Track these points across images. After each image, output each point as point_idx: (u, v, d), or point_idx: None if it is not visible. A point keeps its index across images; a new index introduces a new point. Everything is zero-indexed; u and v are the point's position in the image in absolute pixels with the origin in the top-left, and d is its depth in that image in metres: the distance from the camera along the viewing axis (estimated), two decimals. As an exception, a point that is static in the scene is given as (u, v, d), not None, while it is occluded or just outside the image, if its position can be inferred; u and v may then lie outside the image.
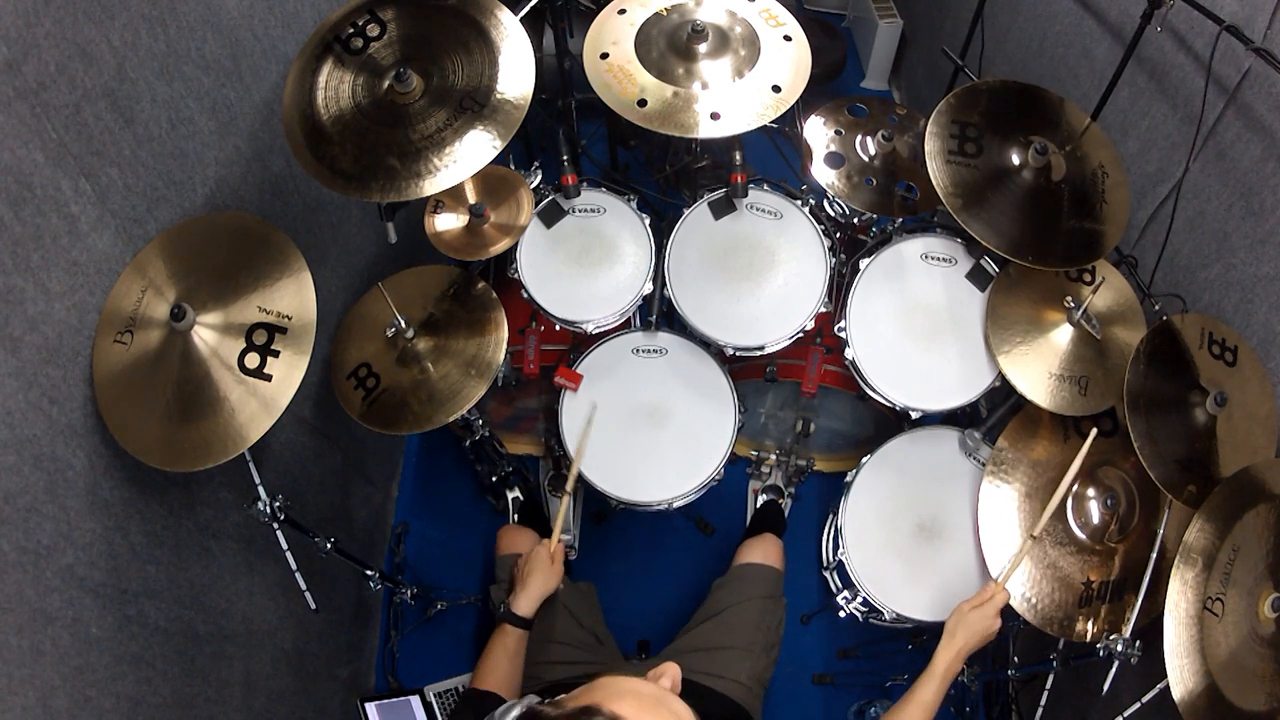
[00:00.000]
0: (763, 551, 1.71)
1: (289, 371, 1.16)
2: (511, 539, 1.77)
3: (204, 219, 1.31)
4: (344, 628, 1.95)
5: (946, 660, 1.30)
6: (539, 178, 1.71)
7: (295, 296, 1.20)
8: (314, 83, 1.31)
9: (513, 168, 1.66)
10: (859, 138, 1.74)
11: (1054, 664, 1.52)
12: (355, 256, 1.93)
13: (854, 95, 2.75)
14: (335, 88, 1.31)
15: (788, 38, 1.53)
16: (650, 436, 1.69)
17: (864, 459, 1.68)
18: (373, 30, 1.34)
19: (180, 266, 1.20)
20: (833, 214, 1.80)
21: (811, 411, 2.09)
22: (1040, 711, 1.61)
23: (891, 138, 1.69)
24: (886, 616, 1.60)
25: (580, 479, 1.68)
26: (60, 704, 1.03)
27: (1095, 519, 1.42)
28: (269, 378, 1.15)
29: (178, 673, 1.28)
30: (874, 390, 1.60)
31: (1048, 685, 1.58)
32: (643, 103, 1.46)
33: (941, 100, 1.51)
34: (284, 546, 1.39)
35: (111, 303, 1.14)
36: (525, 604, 1.42)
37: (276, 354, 1.16)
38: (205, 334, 1.16)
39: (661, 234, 1.71)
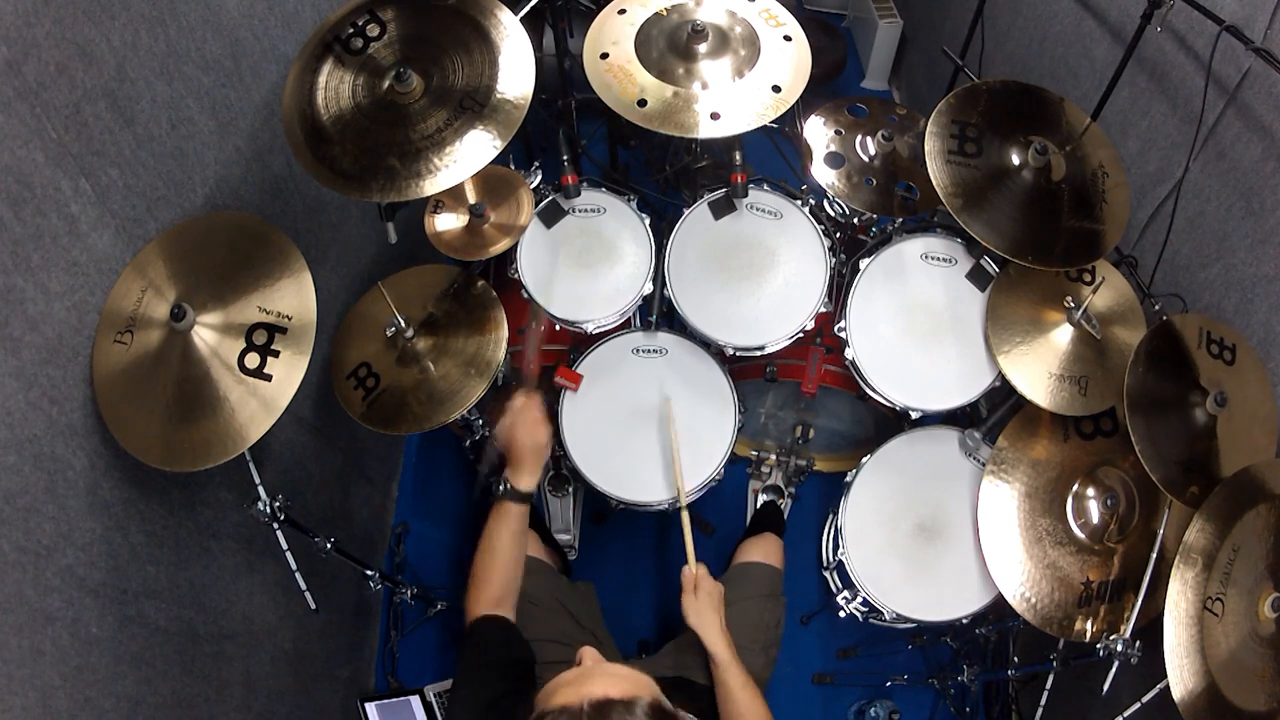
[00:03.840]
0: (763, 550, 1.71)
1: (289, 371, 1.16)
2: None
3: (204, 219, 1.31)
4: (344, 628, 1.95)
5: (719, 645, 1.33)
6: (539, 178, 1.71)
7: (295, 296, 1.20)
8: (314, 83, 1.31)
9: (513, 168, 1.66)
10: (859, 138, 1.74)
11: (1054, 664, 1.52)
12: (355, 256, 1.93)
13: (854, 95, 2.75)
14: (335, 88, 1.31)
15: (788, 38, 1.53)
16: (650, 437, 1.69)
17: (864, 459, 1.68)
18: (373, 30, 1.34)
19: (180, 266, 1.20)
20: (833, 214, 1.79)
21: (811, 411, 2.09)
22: (1040, 711, 1.61)
23: (891, 138, 1.69)
24: (886, 616, 1.61)
25: (580, 478, 1.68)
26: (60, 704, 1.03)
27: (1095, 519, 1.42)
28: (269, 378, 1.15)
29: (178, 673, 1.28)
30: (874, 390, 1.60)
31: (1048, 685, 1.58)
32: (643, 103, 1.46)
33: (941, 100, 1.51)
34: (284, 546, 1.39)
35: (111, 303, 1.14)
36: (526, 475, 1.28)
37: (276, 354, 1.16)
38: (205, 334, 1.16)
39: (661, 234, 1.71)
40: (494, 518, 1.29)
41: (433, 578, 2.16)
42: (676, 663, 1.49)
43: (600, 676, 0.88)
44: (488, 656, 1.18)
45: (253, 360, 1.16)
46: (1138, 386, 1.28)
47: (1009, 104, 1.53)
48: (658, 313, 1.72)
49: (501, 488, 1.30)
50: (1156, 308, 1.53)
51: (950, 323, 1.59)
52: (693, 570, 1.41)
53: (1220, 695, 1.12)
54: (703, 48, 1.50)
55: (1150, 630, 1.24)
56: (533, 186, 1.65)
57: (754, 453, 2.26)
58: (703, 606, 1.37)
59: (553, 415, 1.76)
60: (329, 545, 1.50)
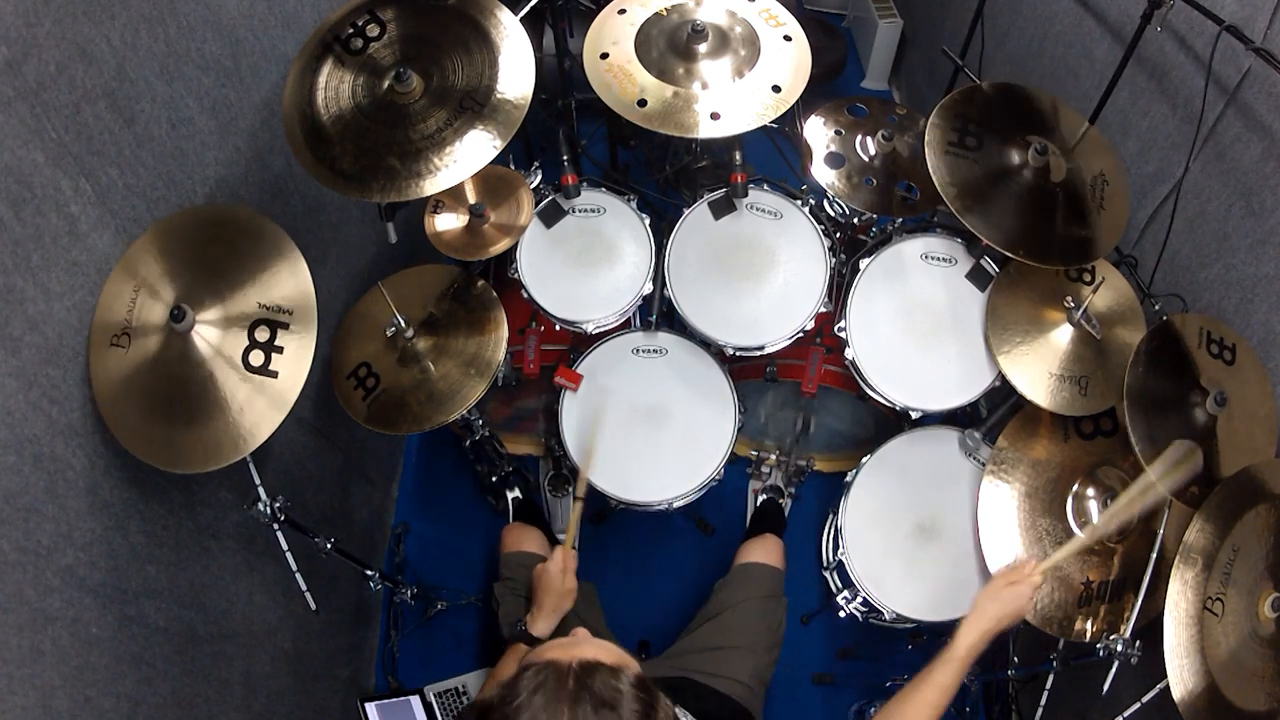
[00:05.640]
0: (764, 551, 1.71)
1: (294, 367, 1.16)
2: (516, 537, 1.77)
3: (190, 212, 1.29)
4: (344, 628, 1.95)
5: (970, 641, 1.21)
6: (539, 178, 1.71)
7: (292, 286, 1.19)
8: (314, 83, 1.31)
9: (513, 168, 1.66)
10: (859, 138, 1.74)
11: (1054, 664, 1.52)
12: (355, 256, 1.93)
13: (854, 95, 2.75)
14: (335, 88, 1.31)
15: (788, 38, 1.53)
16: (650, 436, 1.69)
17: (864, 459, 1.68)
18: (373, 30, 1.34)
19: (174, 264, 1.18)
20: (833, 214, 1.80)
21: (811, 411, 2.09)
22: (1040, 711, 1.61)
23: (891, 138, 1.69)
24: (886, 616, 1.61)
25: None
26: (60, 704, 1.03)
27: (1095, 519, 1.42)
28: (275, 374, 1.15)
29: (178, 673, 1.28)
30: (874, 390, 1.60)
31: (1048, 685, 1.58)
32: (643, 103, 1.46)
33: (945, 97, 1.51)
34: (284, 547, 1.39)
35: (105, 301, 1.14)
36: (542, 624, 1.39)
37: (280, 350, 1.16)
38: (206, 333, 1.16)
39: (661, 234, 1.71)
40: (508, 654, 1.38)
41: (433, 578, 2.16)
42: (679, 664, 1.50)
43: (592, 644, 0.89)
44: None
45: (257, 358, 1.15)
46: (1138, 386, 1.28)
47: (1010, 107, 1.53)
48: (658, 313, 1.72)
49: (518, 628, 1.39)
50: (1156, 308, 1.53)
51: (950, 323, 1.59)
52: (1038, 575, 1.30)
53: (1220, 695, 1.12)
54: (703, 48, 1.50)
55: (1150, 630, 1.24)
56: (533, 186, 1.65)
57: (754, 453, 2.26)
58: (1010, 600, 1.26)
59: (552, 415, 1.76)
60: (329, 545, 1.50)
